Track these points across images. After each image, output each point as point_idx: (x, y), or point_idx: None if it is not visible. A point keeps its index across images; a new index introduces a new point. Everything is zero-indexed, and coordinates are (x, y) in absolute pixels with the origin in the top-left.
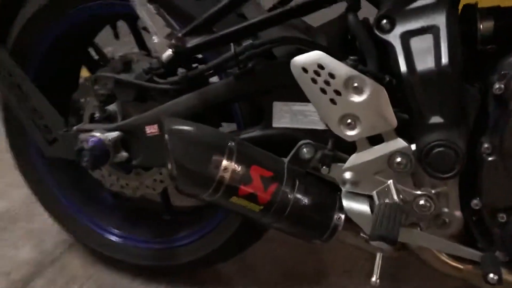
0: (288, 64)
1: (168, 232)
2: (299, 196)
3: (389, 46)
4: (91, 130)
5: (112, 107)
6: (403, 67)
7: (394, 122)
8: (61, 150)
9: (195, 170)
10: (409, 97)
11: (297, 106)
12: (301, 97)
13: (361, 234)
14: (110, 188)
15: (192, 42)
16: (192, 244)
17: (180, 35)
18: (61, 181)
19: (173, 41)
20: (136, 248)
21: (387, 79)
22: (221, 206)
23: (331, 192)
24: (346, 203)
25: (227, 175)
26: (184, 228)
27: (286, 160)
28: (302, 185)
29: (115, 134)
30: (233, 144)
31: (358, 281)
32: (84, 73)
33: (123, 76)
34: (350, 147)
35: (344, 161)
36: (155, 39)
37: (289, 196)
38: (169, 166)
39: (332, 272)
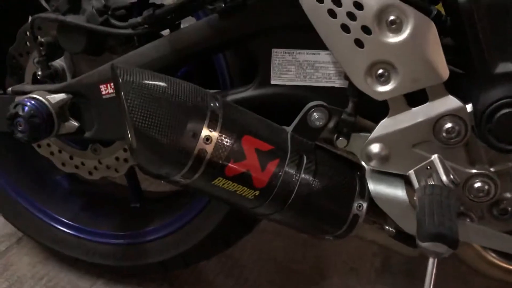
0: None
1: (136, 224)
2: (307, 177)
3: None
4: (30, 92)
5: (58, 62)
6: None
7: (445, 72)
8: None
9: (164, 140)
10: (468, 36)
11: (305, 55)
12: (311, 42)
13: (387, 228)
14: (62, 168)
15: None
16: (166, 239)
17: None
18: (1, 164)
19: None
20: (97, 244)
21: (435, 12)
22: (201, 191)
23: (349, 171)
24: (373, 186)
25: (209, 148)
26: (156, 218)
27: (289, 128)
28: (311, 162)
29: (61, 96)
30: (217, 105)
31: (367, 281)
32: None
33: (70, 18)
34: (377, 111)
35: (368, 129)
36: None
37: (294, 177)
38: (128, 134)
39: (335, 270)
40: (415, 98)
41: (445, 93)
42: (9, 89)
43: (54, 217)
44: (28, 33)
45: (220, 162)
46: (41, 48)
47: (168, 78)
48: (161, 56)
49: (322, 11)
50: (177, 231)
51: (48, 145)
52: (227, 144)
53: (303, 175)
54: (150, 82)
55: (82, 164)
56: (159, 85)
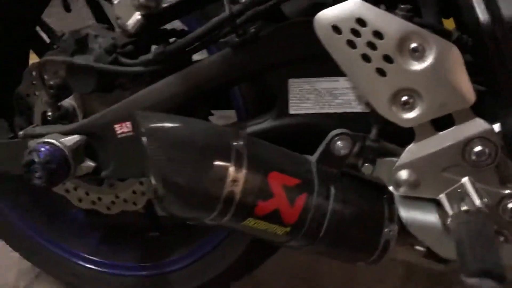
0: (308, 23)
1: (157, 255)
2: (337, 207)
3: None
4: (43, 135)
5: (68, 102)
6: (482, 15)
7: (471, 96)
8: (4, 163)
9: (191, 186)
10: (492, 56)
11: (323, 83)
12: (328, 70)
13: (417, 247)
14: (79, 205)
15: (166, 2)
16: (189, 268)
17: None
18: (15, 200)
19: (141, 1)
20: (120, 277)
21: (455, 35)
22: (233, 230)
23: (376, 196)
24: (405, 213)
25: (237, 189)
26: (177, 247)
27: (313, 158)
28: (339, 192)
29: (75, 138)
30: (240, 143)
31: None
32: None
33: (79, 59)
34: (402, 136)
35: (393, 153)
36: None
37: (323, 209)
38: (152, 181)
39: (362, 280)
40: (441, 122)
41: (472, 116)
42: (21, 132)
43: (72, 252)
44: (34, 74)
45: (249, 203)
46: (51, 91)
47: (189, 121)
48: (175, 94)
49: (341, 42)
50: (200, 260)
51: (63, 183)
52: (255, 183)
53: (332, 206)
54: (172, 127)
55: (99, 199)
56: (182, 130)
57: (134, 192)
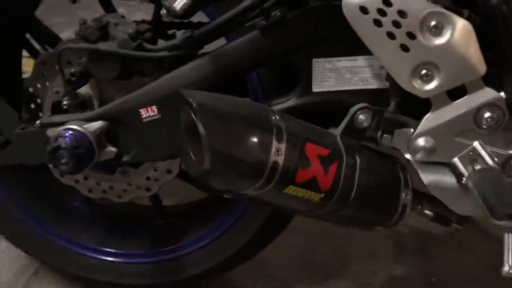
0: (330, 7)
1: (165, 241)
2: (362, 175)
3: None
4: (61, 123)
5: (84, 90)
6: None
7: (483, 67)
8: (18, 155)
9: (241, 156)
10: (501, 34)
11: (343, 62)
12: (348, 49)
13: (426, 212)
14: (89, 195)
15: None
16: (200, 252)
17: None
18: (17, 194)
19: None
20: (131, 265)
21: (466, 13)
22: (264, 201)
23: (392, 165)
24: (425, 176)
25: (280, 159)
26: (186, 233)
27: (337, 131)
28: (363, 161)
29: (98, 124)
30: (278, 118)
31: (387, 263)
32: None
33: (103, 46)
34: (415, 108)
35: (407, 125)
36: None
37: (352, 176)
38: (192, 157)
39: (355, 257)
40: (454, 92)
41: (482, 85)
42: (37, 122)
43: (81, 244)
44: (44, 64)
45: (291, 171)
46: (73, 78)
47: (232, 97)
48: (204, 76)
49: (368, 21)
50: (211, 243)
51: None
52: (295, 153)
53: (358, 173)
54: (221, 102)
55: (111, 188)
56: (229, 105)
57: (148, 178)
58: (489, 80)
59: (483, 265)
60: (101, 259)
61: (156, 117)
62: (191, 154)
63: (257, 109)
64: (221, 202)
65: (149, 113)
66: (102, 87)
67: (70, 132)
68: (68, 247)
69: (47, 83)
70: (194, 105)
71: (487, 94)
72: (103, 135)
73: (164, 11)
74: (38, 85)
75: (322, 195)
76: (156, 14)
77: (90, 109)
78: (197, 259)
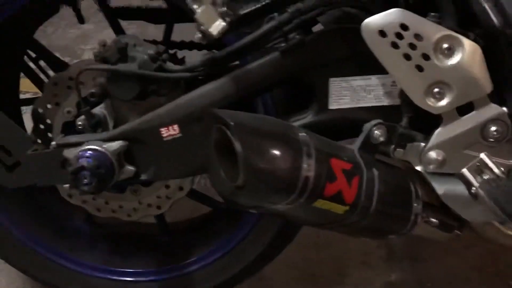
0: (346, 30)
1: (176, 256)
2: (380, 187)
3: None
4: (78, 143)
5: (99, 110)
6: (496, 20)
7: (489, 86)
8: (28, 177)
9: (276, 172)
10: (504, 53)
11: (358, 81)
12: (363, 69)
13: (432, 220)
14: (96, 214)
15: (243, 9)
16: (208, 268)
17: (229, 0)
18: (19, 217)
19: (223, 9)
20: (139, 283)
21: (472, 36)
22: (291, 215)
23: (404, 177)
24: (438, 186)
25: (311, 174)
26: (193, 249)
27: (354, 146)
28: (380, 173)
29: (118, 143)
30: (304, 135)
31: (381, 271)
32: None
33: (123, 67)
34: (424, 123)
35: (416, 139)
36: (200, 8)
37: (372, 188)
38: (222, 174)
39: (350, 266)
40: (462, 108)
41: (488, 102)
42: (53, 143)
43: (86, 265)
44: (56, 85)
45: (320, 185)
46: (92, 99)
47: (262, 116)
48: (225, 96)
49: (386, 43)
50: (223, 257)
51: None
52: (323, 168)
53: (377, 185)
54: (254, 122)
55: (120, 207)
56: (263, 124)
57: (158, 197)
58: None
59: (469, 268)
60: (107, 278)
61: (177, 136)
62: (221, 172)
63: (286, 126)
64: (227, 217)
65: (170, 132)
66: (117, 107)
67: (91, 152)
68: (72, 268)
69: (58, 104)
70: (232, 124)
71: (493, 109)
72: (122, 154)
73: (199, 35)
74: (49, 106)
75: (347, 207)
76: (167, 34)
77: (102, 129)
78: (205, 275)
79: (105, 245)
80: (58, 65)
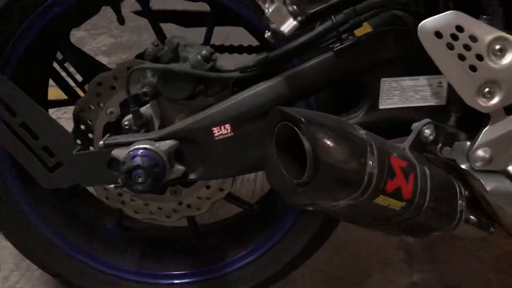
0: (397, 31)
1: (206, 260)
2: (432, 184)
3: None
4: (128, 143)
5: (146, 110)
6: None
7: None
8: (70, 177)
9: (345, 168)
10: None
11: (407, 81)
12: (412, 69)
13: (471, 217)
14: (134, 216)
15: (313, 7)
16: (243, 270)
17: (298, 0)
18: (54, 221)
19: (294, 8)
20: (175, 285)
21: None
22: (348, 213)
23: (449, 175)
24: (487, 183)
25: (375, 171)
26: (226, 251)
27: (405, 145)
28: (430, 171)
29: (169, 143)
30: (365, 133)
31: (403, 272)
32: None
33: (177, 67)
34: (470, 122)
35: (461, 138)
36: (271, 7)
37: (425, 185)
38: (283, 171)
39: (372, 268)
40: (508, 107)
41: None
42: (101, 143)
43: (120, 268)
44: (100, 84)
45: (382, 181)
46: (146, 98)
47: (325, 114)
48: (278, 96)
49: (441, 44)
50: (258, 259)
51: (120, 194)
52: (384, 164)
53: (429, 182)
54: (322, 120)
55: (159, 208)
56: (330, 121)
57: (199, 197)
58: None
59: (488, 269)
60: (143, 281)
61: (228, 135)
62: (282, 168)
63: (349, 124)
64: (261, 219)
65: (222, 131)
66: (164, 107)
67: (143, 151)
68: (107, 272)
69: (101, 104)
70: (303, 120)
71: None
72: (173, 154)
73: (269, 33)
74: (91, 106)
75: (404, 203)
76: (208, 37)
77: (146, 130)
78: (239, 277)
79: (135, 249)
80: (93, 67)
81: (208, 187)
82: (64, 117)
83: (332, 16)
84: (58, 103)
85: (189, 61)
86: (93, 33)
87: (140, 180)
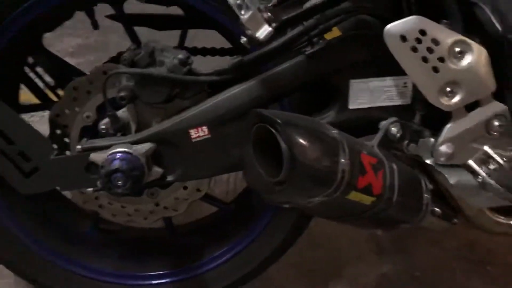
0: (364, 36)
1: (188, 257)
2: (400, 179)
3: (476, 8)
4: (106, 147)
5: (121, 114)
6: (499, 26)
7: (493, 85)
8: (47, 182)
9: (320, 167)
10: (506, 57)
11: (375, 82)
12: (379, 71)
13: (436, 209)
14: (111, 219)
15: (286, 14)
16: (221, 268)
17: (272, 7)
18: (30, 226)
19: (268, 14)
20: (156, 285)
21: (478, 41)
22: (321, 209)
23: (414, 170)
24: (450, 177)
25: (347, 169)
26: (204, 250)
27: (373, 142)
28: (398, 167)
29: (147, 146)
30: (336, 132)
31: (374, 264)
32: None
33: (154, 71)
34: (433, 119)
35: (425, 135)
36: (246, 13)
37: (394, 181)
38: (260, 170)
39: (345, 262)
40: (469, 105)
41: (492, 99)
42: (78, 147)
43: (99, 271)
44: (76, 89)
45: (354, 177)
46: (122, 102)
47: (298, 115)
48: (253, 98)
49: (406, 47)
50: (236, 257)
51: (96, 198)
52: (356, 162)
53: (397, 178)
54: (297, 121)
55: (136, 210)
56: (304, 122)
57: (176, 198)
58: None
59: (452, 257)
60: (123, 283)
61: (206, 137)
62: (259, 168)
63: (322, 124)
64: (236, 218)
65: (199, 133)
66: (140, 110)
67: (121, 155)
68: (85, 275)
69: (77, 108)
70: (280, 122)
71: (496, 106)
72: (150, 157)
73: (245, 39)
74: (67, 111)
75: (374, 198)
76: (182, 40)
77: (122, 133)
78: (217, 275)
79: (113, 251)
80: (66, 70)
81: (185, 188)
82: (31, 121)
83: (304, 21)
84: (30, 108)
85: (166, 65)
86: (59, 34)
87: (119, 183)
